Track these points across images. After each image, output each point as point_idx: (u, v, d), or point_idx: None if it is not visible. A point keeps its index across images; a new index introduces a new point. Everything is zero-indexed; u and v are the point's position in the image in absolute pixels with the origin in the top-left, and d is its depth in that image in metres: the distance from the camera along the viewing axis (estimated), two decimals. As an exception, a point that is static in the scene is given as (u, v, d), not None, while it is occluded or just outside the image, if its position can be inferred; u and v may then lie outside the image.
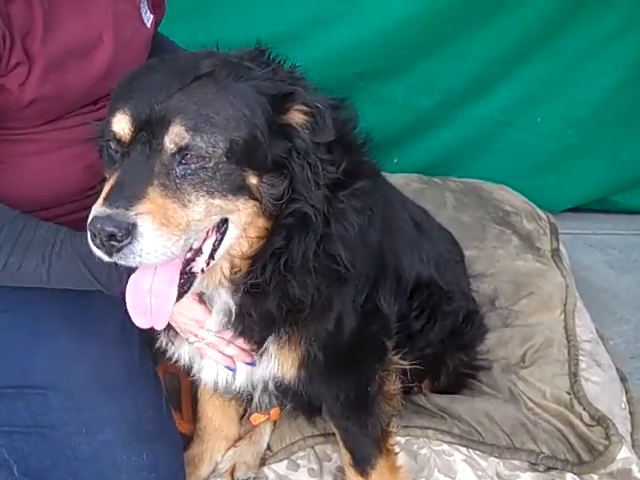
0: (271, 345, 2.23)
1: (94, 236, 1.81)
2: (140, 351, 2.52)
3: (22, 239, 2.21)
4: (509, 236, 3.98)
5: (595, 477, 2.76)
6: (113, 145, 1.93)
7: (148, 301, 1.97)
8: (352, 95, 2.30)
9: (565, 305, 3.48)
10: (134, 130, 1.87)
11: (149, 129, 1.86)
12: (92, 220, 1.80)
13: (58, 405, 2.36)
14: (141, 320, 2.00)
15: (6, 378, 2.40)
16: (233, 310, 2.17)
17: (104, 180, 2.16)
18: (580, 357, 3.20)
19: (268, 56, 2.13)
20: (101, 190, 1.92)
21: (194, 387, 2.93)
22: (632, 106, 4.70)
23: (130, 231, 1.77)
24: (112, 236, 1.77)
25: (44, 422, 2.36)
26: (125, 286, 2.07)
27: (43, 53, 2.22)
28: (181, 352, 2.41)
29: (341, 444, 2.56)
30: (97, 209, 1.81)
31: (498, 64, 4.52)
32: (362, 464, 2.53)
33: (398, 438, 2.69)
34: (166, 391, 2.67)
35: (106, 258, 1.85)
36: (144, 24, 2.60)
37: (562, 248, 4.03)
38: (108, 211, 1.78)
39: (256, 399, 2.56)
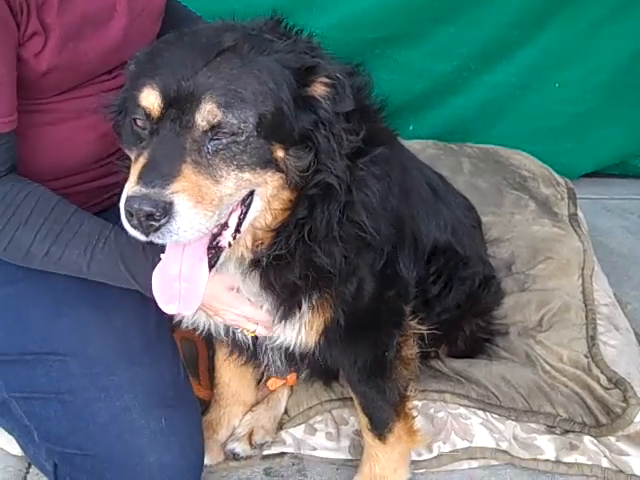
0: (299, 313, 2.24)
1: (130, 216, 1.81)
2: (158, 319, 2.54)
3: (67, 230, 2.23)
4: (526, 201, 3.96)
5: (612, 439, 2.78)
6: (140, 122, 1.92)
7: (177, 286, 1.98)
8: (368, 61, 2.30)
9: (583, 270, 3.46)
10: (164, 106, 1.87)
11: (178, 106, 1.86)
12: (128, 200, 1.80)
13: (77, 371, 2.39)
14: (170, 306, 2.00)
15: (26, 344, 2.43)
16: (256, 284, 2.19)
17: (118, 151, 2.20)
18: (598, 321, 3.19)
19: (285, 26, 2.13)
20: (125, 165, 1.96)
21: (211, 353, 2.97)
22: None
23: (167, 210, 1.77)
24: (150, 215, 1.77)
25: (63, 388, 2.39)
26: None
27: (59, 23, 2.21)
28: (200, 321, 2.43)
29: (359, 409, 2.57)
30: (132, 188, 1.80)
31: (516, 29, 4.46)
32: (380, 428, 2.54)
33: (415, 402, 2.71)
34: (184, 358, 2.72)
35: (142, 238, 1.86)
36: None
37: (580, 213, 4.00)
38: (144, 190, 1.78)
39: (272, 364, 2.58)
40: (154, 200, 1.76)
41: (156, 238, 1.84)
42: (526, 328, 3.18)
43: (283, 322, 2.27)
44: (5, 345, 2.46)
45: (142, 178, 1.80)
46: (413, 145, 3.84)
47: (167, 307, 2.01)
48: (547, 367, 2.96)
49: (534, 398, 2.84)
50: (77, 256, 2.24)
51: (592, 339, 3.09)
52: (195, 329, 2.48)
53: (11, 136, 2.24)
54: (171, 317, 2.49)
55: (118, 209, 2.31)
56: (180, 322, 2.46)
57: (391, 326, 2.47)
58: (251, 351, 2.54)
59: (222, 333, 2.46)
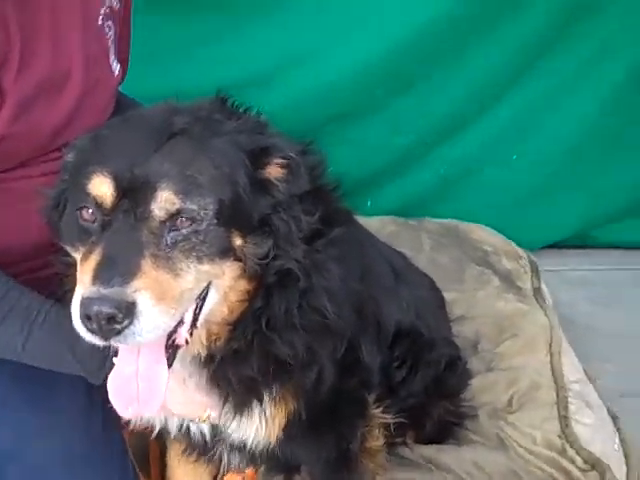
0: (255, 408, 2.10)
1: (87, 319, 1.66)
2: (104, 416, 2.36)
3: (4, 303, 2.09)
4: (489, 276, 3.88)
5: (591, 526, 2.65)
6: (86, 215, 1.80)
7: (135, 387, 1.83)
8: (321, 138, 2.24)
9: (550, 346, 3.37)
10: (117, 196, 1.75)
11: (132, 195, 1.74)
12: (84, 302, 1.66)
13: (15, 478, 2.22)
14: (128, 410, 1.85)
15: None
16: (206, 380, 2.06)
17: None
18: (569, 399, 3.08)
19: (232, 105, 2.07)
20: (63, 262, 1.88)
21: (163, 450, 2.78)
22: (609, 140, 4.64)
23: (130, 310, 1.64)
24: (111, 318, 1.64)
25: None
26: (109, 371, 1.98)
27: (16, 87, 2.10)
28: (155, 419, 2.27)
29: (323, 506, 2.41)
30: (89, 289, 1.66)
31: (472, 102, 4.46)
32: (346, 527, 2.39)
33: (383, 494, 2.56)
34: (133, 455, 2.54)
35: (100, 343, 1.73)
36: (112, 72, 2.51)
37: (544, 287, 3.94)
38: (103, 291, 1.64)
39: (226, 460, 2.42)
40: (115, 300, 1.62)
41: (117, 342, 1.70)
42: (495, 409, 3.05)
43: (239, 417, 2.12)
44: None
45: (98, 277, 1.66)
46: (372, 222, 3.75)
47: (126, 411, 1.85)
48: (520, 450, 2.83)
49: (508, 485, 2.71)
50: (13, 334, 2.08)
51: (565, 418, 2.97)
52: (149, 428, 2.31)
53: None
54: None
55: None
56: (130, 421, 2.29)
57: (354, 417, 2.33)
58: (206, 446, 2.36)
59: (176, 429, 2.29)
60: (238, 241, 1.84)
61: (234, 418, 2.12)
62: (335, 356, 2.19)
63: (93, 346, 1.99)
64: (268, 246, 1.88)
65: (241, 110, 2.06)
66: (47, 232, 2.29)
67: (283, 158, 1.92)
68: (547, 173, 4.68)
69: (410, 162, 4.61)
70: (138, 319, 1.65)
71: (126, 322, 1.64)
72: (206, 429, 2.26)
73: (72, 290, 1.95)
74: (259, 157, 1.90)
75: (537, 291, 3.85)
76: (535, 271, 4.03)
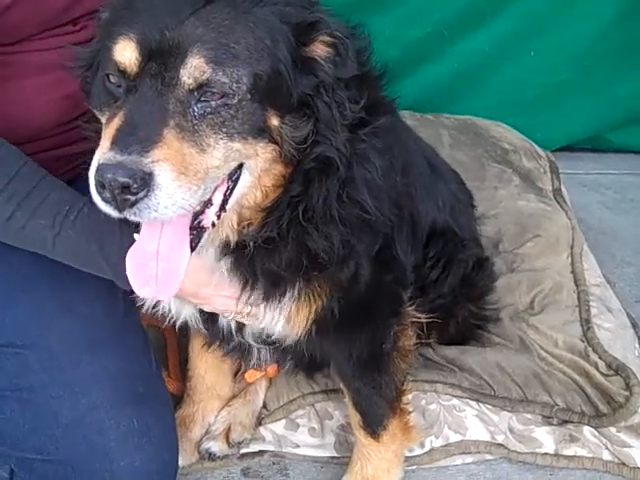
0: (287, 300, 2.01)
1: (102, 187, 1.56)
2: (125, 304, 2.30)
3: (35, 194, 1.96)
4: (509, 175, 3.79)
5: (613, 430, 2.62)
6: (113, 78, 1.68)
7: (154, 266, 1.74)
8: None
9: (572, 248, 3.32)
10: (142, 60, 1.62)
11: (161, 60, 1.61)
12: (99, 168, 1.55)
13: (37, 366, 2.16)
14: (145, 289, 1.77)
15: (-24, 336, 2.17)
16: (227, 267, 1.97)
17: (84, 114, 1.94)
18: (591, 302, 3.04)
19: None
20: (93, 129, 1.74)
21: (182, 342, 2.73)
22: (628, 41, 4.48)
23: (146, 181, 1.54)
24: (125, 188, 1.53)
25: (21, 384, 2.15)
26: None
27: None
28: (181, 311, 2.19)
29: (350, 405, 2.37)
30: (105, 155, 1.56)
31: (492, -6, 4.28)
32: (374, 425, 2.36)
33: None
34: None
35: (115, 214, 1.62)
36: None
37: (563, 188, 3.85)
38: (119, 157, 1.53)
39: (255, 355, 2.38)
40: (131, 169, 1.53)
41: (131, 215, 1.60)
42: (517, 311, 3.00)
43: (268, 310, 2.03)
44: None
45: (117, 143, 1.56)
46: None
47: (142, 290, 1.78)
48: (543, 353, 2.79)
49: (530, 387, 2.67)
50: (43, 227, 1.97)
51: (587, 322, 2.93)
52: (173, 318, 2.23)
53: None
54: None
55: (82, 181, 2.06)
56: (156, 311, 2.19)
57: (389, 315, 2.27)
58: (230, 338, 2.28)
59: (189, 317, 2.22)
60: (275, 121, 1.73)
61: (264, 311, 2.04)
62: (371, 252, 2.10)
63: (123, 248, 1.90)
64: (307, 130, 1.77)
65: None
66: (63, 108, 2.20)
67: (331, 36, 1.77)
68: (564, 73, 4.52)
69: (425, 56, 4.45)
70: (154, 192, 1.55)
71: (141, 194, 1.55)
72: (232, 322, 2.19)
73: None
74: (305, 32, 1.76)
75: (557, 192, 3.76)
76: (555, 171, 3.95)
